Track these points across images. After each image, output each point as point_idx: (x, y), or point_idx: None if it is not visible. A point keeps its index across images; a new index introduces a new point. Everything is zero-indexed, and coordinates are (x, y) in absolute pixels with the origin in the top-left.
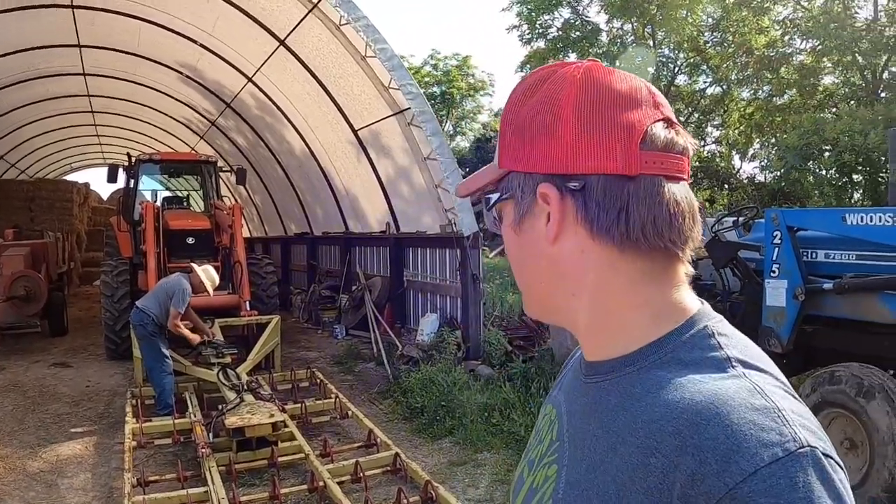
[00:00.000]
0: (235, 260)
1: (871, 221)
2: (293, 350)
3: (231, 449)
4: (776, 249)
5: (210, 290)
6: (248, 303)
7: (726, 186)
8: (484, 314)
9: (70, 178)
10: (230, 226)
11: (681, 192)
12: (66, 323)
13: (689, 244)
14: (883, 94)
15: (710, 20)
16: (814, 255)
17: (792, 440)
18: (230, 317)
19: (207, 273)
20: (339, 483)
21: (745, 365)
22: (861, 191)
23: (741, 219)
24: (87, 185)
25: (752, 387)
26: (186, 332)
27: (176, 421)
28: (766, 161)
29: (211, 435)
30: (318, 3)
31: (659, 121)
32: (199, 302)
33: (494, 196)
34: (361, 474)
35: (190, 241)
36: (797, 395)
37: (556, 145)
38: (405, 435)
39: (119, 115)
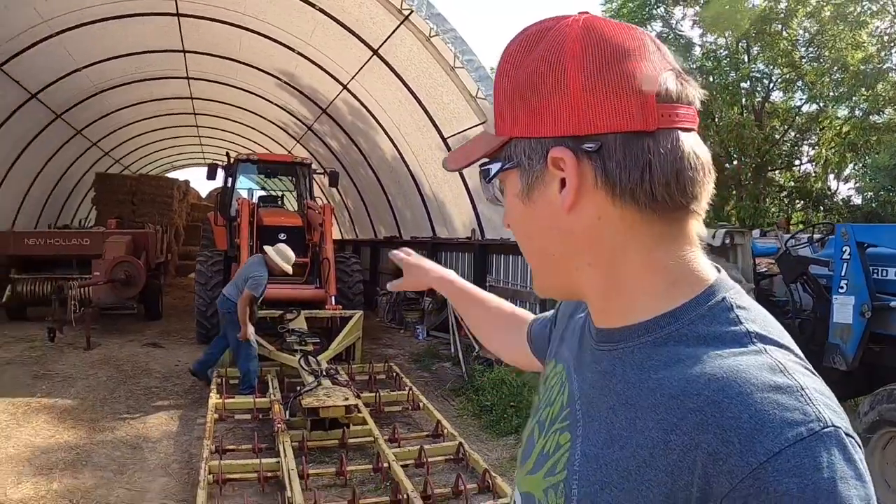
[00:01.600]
0: (324, 257)
1: None
2: (374, 346)
3: (305, 428)
4: (845, 265)
5: (288, 269)
6: (333, 298)
7: (821, 207)
8: None
9: (171, 175)
10: (320, 224)
11: (697, 144)
12: (160, 308)
13: (706, 199)
14: None
15: (805, 34)
16: (884, 273)
17: (816, 420)
18: (316, 309)
19: (281, 253)
20: (403, 466)
21: (765, 340)
22: None
23: (815, 234)
24: (186, 182)
25: (775, 363)
26: (246, 317)
27: (256, 399)
28: (859, 182)
29: (287, 413)
30: (409, 15)
31: (668, 71)
32: (288, 293)
33: (495, 166)
34: (425, 460)
35: (282, 236)
36: (816, 373)
37: (565, 105)
38: (472, 430)
39: (219, 117)
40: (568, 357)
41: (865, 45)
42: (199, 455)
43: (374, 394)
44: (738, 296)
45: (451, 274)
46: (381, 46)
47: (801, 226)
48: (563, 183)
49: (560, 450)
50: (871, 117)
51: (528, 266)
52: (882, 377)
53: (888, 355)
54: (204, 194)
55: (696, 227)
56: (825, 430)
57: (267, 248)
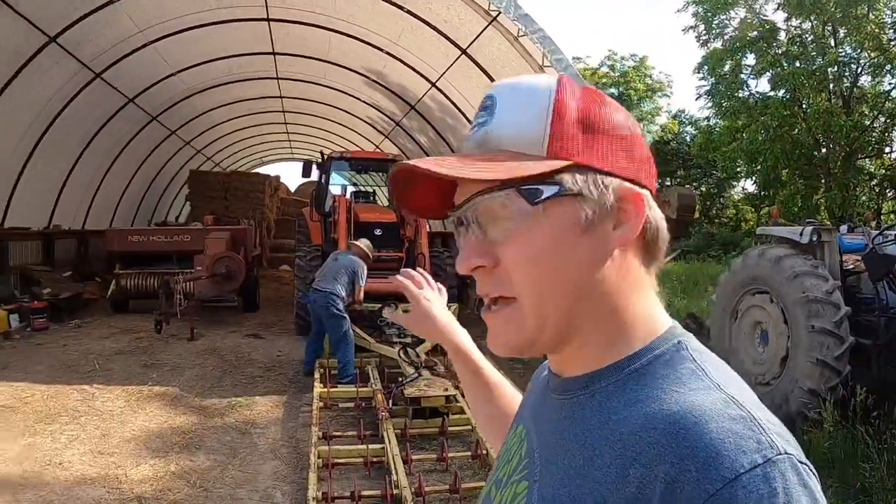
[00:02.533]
0: (419, 252)
1: None
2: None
3: (406, 416)
4: None
5: (365, 249)
6: None
7: None
8: None
9: (260, 170)
10: (415, 220)
11: None
12: (258, 300)
13: None
14: None
15: (894, 16)
16: None
17: (769, 447)
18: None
19: (366, 244)
20: None
21: (718, 378)
22: None
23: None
24: (277, 177)
25: (727, 398)
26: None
27: (359, 389)
28: None
29: (390, 402)
30: (496, 16)
31: None
32: (386, 287)
33: (549, 189)
34: None
35: (378, 232)
36: (766, 409)
37: (626, 150)
38: None
39: (307, 114)
40: (527, 416)
41: None
42: (306, 440)
43: None
44: (692, 340)
45: (458, 334)
46: (469, 46)
47: (893, 216)
48: (618, 220)
49: (517, 498)
50: None
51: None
52: None
53: None
54: (293, 189)
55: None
56: (778, 456)
57: (359, 242)
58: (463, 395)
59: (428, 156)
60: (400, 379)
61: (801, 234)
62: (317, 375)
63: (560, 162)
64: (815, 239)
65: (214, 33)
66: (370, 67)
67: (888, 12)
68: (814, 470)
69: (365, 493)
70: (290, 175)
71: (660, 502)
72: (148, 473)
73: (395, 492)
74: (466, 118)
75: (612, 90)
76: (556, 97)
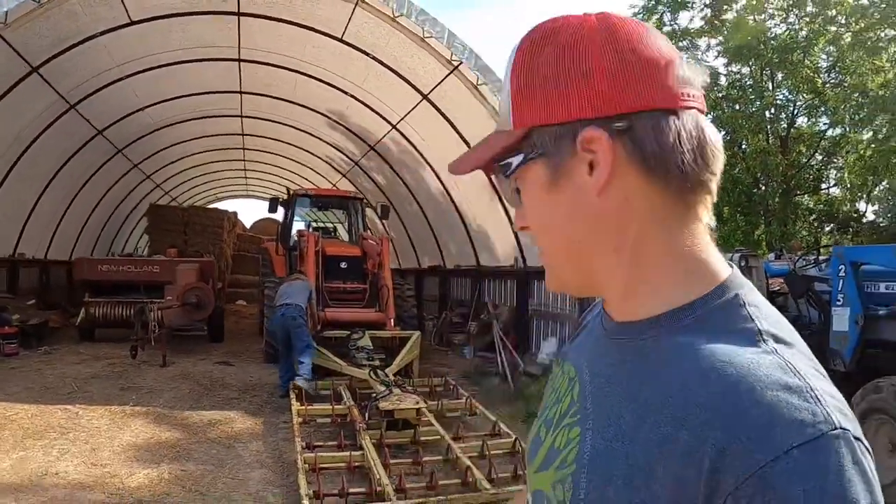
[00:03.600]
0: (382, 284)
1: None
2: (427, 365)
3: (381, 428)
4: (841, 282)
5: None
6: (392, 320)
7: (849, 230)
8: None
9: (215, 206)
10: (379, 254)
11: (710, 124)
12: (223, 331)
13: (719, 179)
14: None
15: (828, 60)
16: (875, 287)
17: (825, 421)
18: (378, 330)
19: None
20: (469, 458)
21: (777, 339)
22: None
23: (821, 256)
24: (235, 213)
25: (785, 364)
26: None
27: (334, 406)
28: (883, 204)
29: (366, 415)
30: (458, 66)
31: (678, 56)
32: (352, 317)
33: (517, 158)
34: (487, 452)
35: (343, 265)
36: (826, 375)
37: (591, 87)
38: (523, 433)
39: (267, 152)
40: (578, 356)
41: (885, 70)
42: (289, 452)
43: (436, 402)
44: (751, 293)
45: None
46: (430, 92)
47: (829, 249)
48: (591, 165)
49: (570, 444)
50: (891, 141)
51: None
52: (879, 377)
53: (882, 358)
54: (248, 225)
55: (707, 215)
56: (833, 431)
57: (300, 275)
58: (430, 410)
59: (384, 194)
60: (373, 395)
61: (731, 260)
62: (293, 395)
63: (521, 131)
64: (742, 264)
65: (186, 70)
66: (333, 109)
67: (824, 56)
68: (869, 447)
69: (352, 490)
70: (246, 211)
71: (709, 468)
72: (143, 481)
73: (378, 489)
74: (424, 159)
75: None
76: (511, 67)
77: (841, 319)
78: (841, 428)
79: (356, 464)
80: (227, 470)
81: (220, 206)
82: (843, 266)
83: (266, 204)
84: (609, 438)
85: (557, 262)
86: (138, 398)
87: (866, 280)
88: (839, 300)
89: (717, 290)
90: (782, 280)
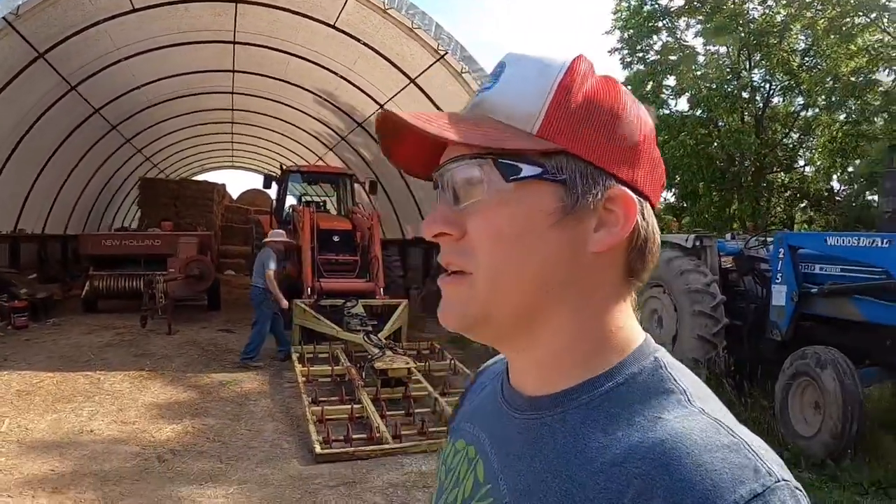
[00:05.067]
0: (373, 255)
1: (845, 243)
2: (412, 331)
3: (376, 386)
4: (780, 262)
5: (284, 238)
6: (382, 290)
7: (821, 208)
8: None
9: (201, 177)
10: (369, 228)
11: None
12: (220, 300)
13: None
14: None
15: (804, 43)
16: (810, 268)
17: (767, 474)
18: (369, 299)
19: (274, 234)
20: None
21: (700, 398)
22: None
23: (767, 238)
24: (223, 185)
25: (716, 423)
26: (278, 291)
27: (333, 368)
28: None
29: (363, 375)
30: (444, 55)
31: None
32: (345, 286)
33: (530, 169)
34: None
35: (335, 238)
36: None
37: (632, 152)
38: None
39: (255, 125)
40: (475, 431)
41: (857, 56)
42: (296, 408)
43: (423, 363)
44: (666, 355)
45: None
46: (418, 76)
47: (805, 226)
48: (600, 222)
49: None
50: (862, 125)
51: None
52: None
53: (814, 331)
54: (235, 197)
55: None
56: (777, 483)
57: (271, 237)
58: (419, 370)
59: (370, 168)
60: (368, 357)
61: (686, 241)
62: (295, 358)
63: (548, 144)
64: (698, 244)
65: (182, 52)
66: (322, 88)
67: (802, 38)
68: (805, 493)
69: (355, 436)
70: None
71: None
72: (170, 435)
73: (377, 435)
74: None
75: None
76: (563, 77)
77: (779, 295)
78: (783, 479)
79: (357, 415)
80: (243, 423)
81: (207, 176)
82: (782, 249)
83: (253, 175)
84: None
85: (502, 293)
86: (152, 363)
87: (804, 262)
88: (778, 278)
89: (636, 353)
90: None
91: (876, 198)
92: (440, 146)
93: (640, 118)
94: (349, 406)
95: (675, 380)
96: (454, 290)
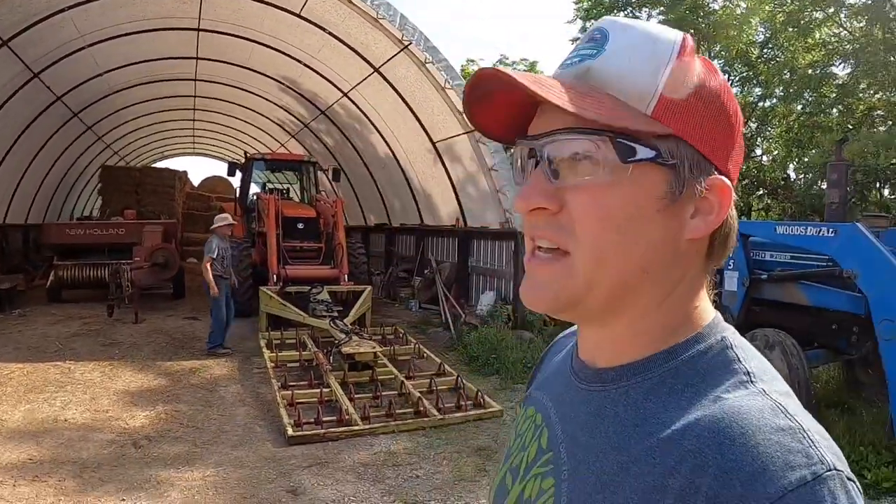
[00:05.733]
0: (337, 243)
1: (793, 232)
2: (376, 317)
3: (343, 370)
4: None
5: (230, 220)
6: (346, 276)
7: (777, 196)
8: None
9: (162, 164)
10: (333, 216)
11: None
12: (185, 288)
13: None
14: None
15: (762, 36)
16: (761, 255)
17: (819, 462)
18: (333, 285)
19: (219, 219)
20: (419, 392)
21: (764, 381)
22: (874, 209)
23: None
24: (185, 172)
25: (775, 405)
26: (210, 277)
27: (301, 353)
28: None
29: (330, 359)
30: (408, 45)
31: None
32: (310, 273)
33: (645, 151)
34: (434, 387)
35: (300, 226)
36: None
37: (729, 138)
38: (464, 373)
39: (217, 112)
40: (545, 400)
41: (814, 49)
42: (265, 393)
43: (389, 347)
44: (736, 336)
45: None
46: (382, 66)
47: (762, 213)
48: (697, 210)
49: (543, 495)
50: (817, 117)
51: (507, 250)
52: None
53: (765, 315)
54: (196, 184)
55: None
56: (828, 472)
57: (217, 222)
58: (384, 354)
59: (333, 156)
60: (335, 342)
61: None
62: (263, 344)
63: (663, 127)
64: None
65: (146, 38)
66: (286, 75)
67: (761, 30)
68: (859, 486)
69: (325, 419)
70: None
71: None
72: (144, 421)
73: (346, 417)
74: (373, 124)
75: None
76: (678, 55)
77: (731, 281)
78: (835, 469)
79: (326, 399)
80: (215, 409)
81: (168, 163)
82: None
83: (215, 162)
84: (588, 491)
85: (602, 273)
86: (121, 352)
87: (754, 250)
88: (730, 265)
89: (704, 332)
90: None
91: None
92: (528, 111)
93: (737, 105)
94: (318, 390)
95: (740, 360)
96: (548, 271)
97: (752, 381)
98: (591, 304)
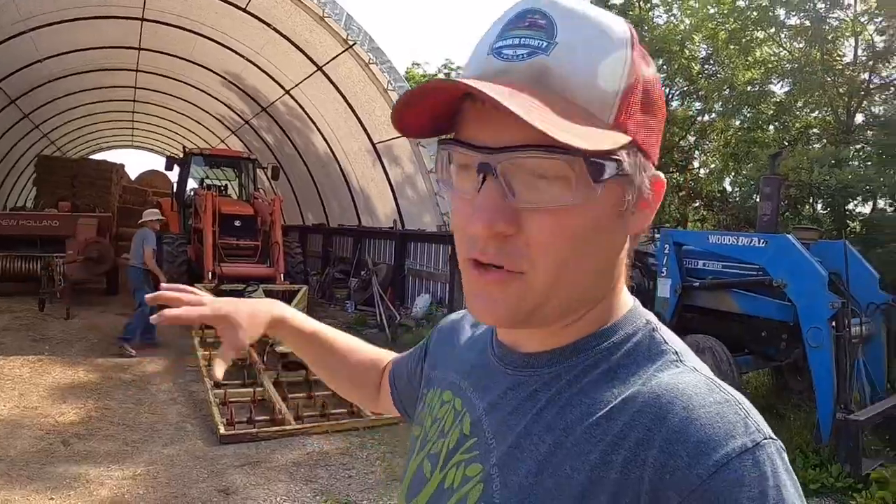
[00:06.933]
0: (274, 241)
1: (725, 241)
2: (312, 317)
3: (277, 369)
4: (665, 257)
5: (159, 215)
6: (282, 275)
7: (713, 208)
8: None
9: (99, 156)
10: (271, 214)
11: None
12: (118, 284)
13: None
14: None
15: (704, 52)
16: (693, 263)
17: (756, 431)
18: (269, 284)
19: (149, 213)
20: None
21: (691, 360)
22: (806, 223)
23: (655, 235)
24: (122, 165)
25: (709, 381)
26: (158, 269)
27: None
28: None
29: (264, 358)
30: (352, 45)
31: None
32: (245, 271)
33: (610, 168)
34: None
35: (237, 223)
36: None
37: (660, 130)
38: None
39: (157, 105)
40: (460, 384)
41: (754, 67)
42: (198, 391)
43: None
44: (657, 320)
45: (280, 310)
46: (325, 64)
47: (697, 224)
48: (631, 205)
49: (469, 483)
50: (754, 132)
51: (443, 253)
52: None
53: (697, 322)
54: (133, 177)
55: None
56: (765, 441)
57: (146, 216)
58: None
59: (272, 153)
60: (269, 340)
61: None
62: (196, 342)
63: (624, 137)
64: None
65: (89, 25)
66: (229, 70)
67: (703, 47)
68: (785, 451)
69: (258, 418)
70: (132, 163)
71: (649, 489)
72: (74, 419)
73: (279, 416)
74: (314, 123)
75: None
76: (632, 56)
77: (664, 287)
78: (770, 438)
79: (259, 398)
80: (146, 407)
81: (105, 155)
82: (667, 245)
83: (153, 156)
84: (523, 474)
85: (563, 289)
86: (52, 348)
87: (687, 258)
88: (663, 272)
89: (629, 316)
90: None
91: None
92: (452, 108)
93: (662, 90)
94: (251, 389)
95: (667, 341)
96: (501, 289)
97: (681, 361)
98: (549, 315)
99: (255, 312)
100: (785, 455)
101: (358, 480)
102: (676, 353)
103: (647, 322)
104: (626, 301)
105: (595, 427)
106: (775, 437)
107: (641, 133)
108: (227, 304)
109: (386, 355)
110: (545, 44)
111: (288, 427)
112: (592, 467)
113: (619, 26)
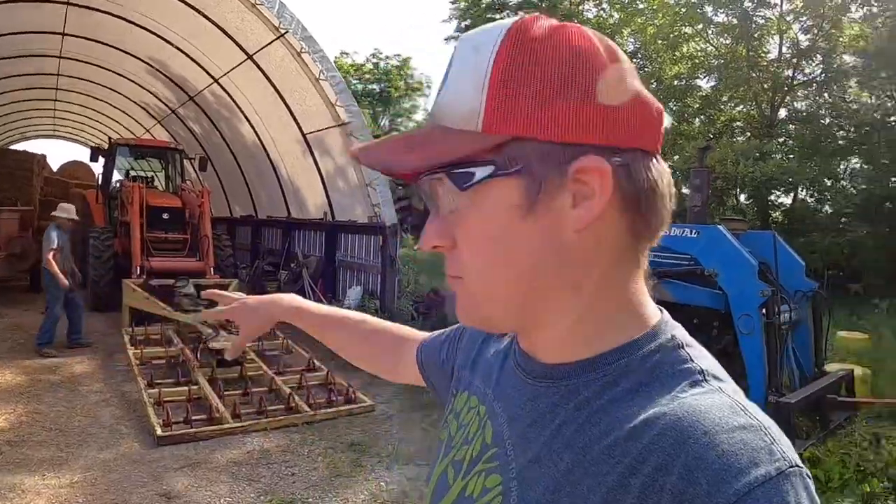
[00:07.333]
0: (203, 234)
1: None
2: None
3: (212, 366)
4: None
5: (73, 215)
6: (212, 269)
7: None
8: (398, 288)
9: (20, 146)
10: (200, 206)
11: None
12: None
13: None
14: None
15: (632, 46)
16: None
17: (782, 459)
18: (199, 278)
19: (63, 209)
20: (290, 388)
21: (718, 379)
22: (731, 213)
23: None
24: (44, 156)
25: (734, 403)
26: (57, 269)
27: (167, 349)
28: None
29: (198, 355)
30: (284, 34)
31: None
32: (175, 265)
33: (482, 170)
34: (305, 383)
35: (165, 216)
36: None
37: (595, 111)
38: (333, 368)
39: (80, 93)
40: (485, 391)
41: (681, 62)
42: (130, 392)
43: (257, 342)
44: (685, 335)
45: (294, 300)
46: (256, 53)
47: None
48: (576, 196)
49: (488, 494)
50: (682, 126)
51: (374, 245)
52: None
53: None
54: (55, 168)
55: (645, 261)
56: (790, 469)
57: (57, 211)
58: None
59: (199, 143)
60: (202, 337)
61: None
62: (126, 340)
63: (496, 138)
64: None
65: (11, 9)
66: (155, 57)
67: (631, 41)
68: (812, 481)
69: (195, 417)
70: (54, 154)
71: None
72: (4, 425)
73: (217, 415)
74: (243, 112)
75: (375, 86)
76: (497, 56)
77: None
78: (796, 465)
79: (195, 397)
80: (78, 409)
81: (26, 146)
82: None
83: (76, 146)
84: (541, 491)
85: (494, 295)
86: None
87: None
88: None
89: (653, 331)
90: None
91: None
92: None
93: (600, 61)
94: (186, 388)
95: (692, 359)
96: (458, 295)
97: (706, 380)
98: (504, 320)
99: (274, 301)
100: (811, 483)
101: (301, 478)
102: (702, 371)
103: (673, 337)
104: (651, 314)
105: (614, 448)
106: (801, 465)
107: (531, 124)
108: (255, 307)
109: (407, 334)
110: (443, 85)
111: (226, 426)
112: (609, 489)
113: (495, 31)
